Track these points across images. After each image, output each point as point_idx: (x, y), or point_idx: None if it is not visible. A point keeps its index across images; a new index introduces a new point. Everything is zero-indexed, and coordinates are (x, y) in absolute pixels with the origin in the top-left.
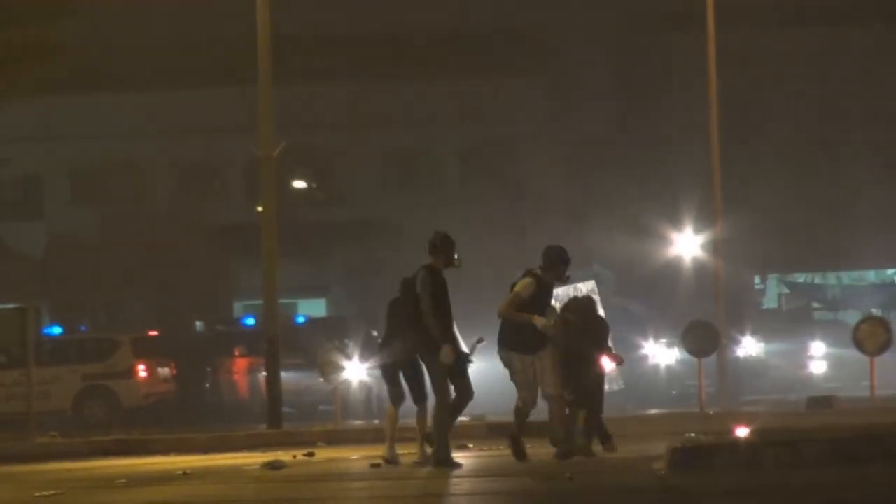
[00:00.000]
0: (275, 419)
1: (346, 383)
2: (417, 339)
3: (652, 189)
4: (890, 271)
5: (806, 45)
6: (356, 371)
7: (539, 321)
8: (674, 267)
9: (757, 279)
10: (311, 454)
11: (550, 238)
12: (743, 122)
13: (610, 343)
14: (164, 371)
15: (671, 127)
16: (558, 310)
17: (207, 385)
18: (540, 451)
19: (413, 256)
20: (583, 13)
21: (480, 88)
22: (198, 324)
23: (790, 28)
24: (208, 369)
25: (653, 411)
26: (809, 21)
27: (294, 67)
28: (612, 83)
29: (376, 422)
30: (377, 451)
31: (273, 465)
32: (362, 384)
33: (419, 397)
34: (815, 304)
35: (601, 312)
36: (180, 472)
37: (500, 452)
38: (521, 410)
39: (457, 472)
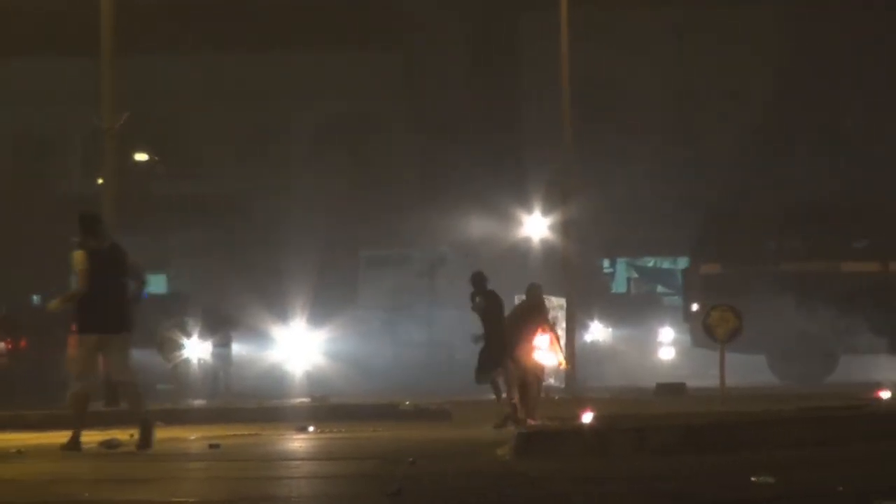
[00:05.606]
0: (112, 397)
1: (186, 362)
2: None
3: (503, 169)
4: None
5: (665, 25)
6: (196, 349)
7: None
8: (522, 248)
9: (606, 263)
10: None
11: (401, 216)
12: (597, 101)
13: None
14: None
15: (525, 105)
16: None
17: (44, 361)
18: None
19: (260, 233)
20: None
21: (336, 62)
22: (34, 298)
23: (651, 7)
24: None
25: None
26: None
27: (143, 36)
28: (469, 59)
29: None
30: (216, 432)
31: (109, 444)
32: (204, 363)
33: None
34: (663, 289)
35: None
36: (14, 450)
37: (342, 434)
38: None
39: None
